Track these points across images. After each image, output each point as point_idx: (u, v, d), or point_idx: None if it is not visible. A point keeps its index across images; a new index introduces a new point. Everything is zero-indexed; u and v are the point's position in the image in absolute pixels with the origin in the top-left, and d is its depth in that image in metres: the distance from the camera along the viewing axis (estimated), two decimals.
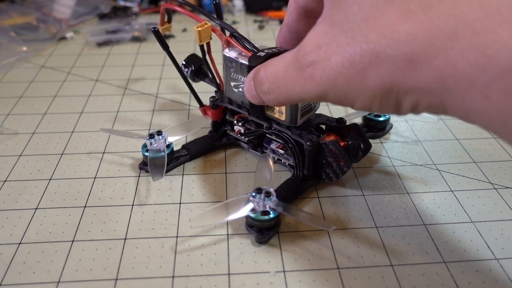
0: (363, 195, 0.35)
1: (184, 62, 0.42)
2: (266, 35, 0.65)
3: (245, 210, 0.30)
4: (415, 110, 0.21)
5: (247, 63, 0.33)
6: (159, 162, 0.35)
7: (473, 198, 0.34)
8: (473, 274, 0.28)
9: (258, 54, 0.32)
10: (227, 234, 0.31)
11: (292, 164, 0.35)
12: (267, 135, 0.36)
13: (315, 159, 0.34)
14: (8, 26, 0.62)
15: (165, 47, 0.35)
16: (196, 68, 0.42)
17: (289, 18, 0.30)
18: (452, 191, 0.35)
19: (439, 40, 0.18)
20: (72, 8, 0.68)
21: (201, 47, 0.36)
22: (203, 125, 0.40)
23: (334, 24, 0.22)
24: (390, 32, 0.19)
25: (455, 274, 0.28)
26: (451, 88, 0.19)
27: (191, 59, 0.42)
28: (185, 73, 0.42)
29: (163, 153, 0.35)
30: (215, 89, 0.40)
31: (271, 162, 0.33)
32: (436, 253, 0.30)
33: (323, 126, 0.37)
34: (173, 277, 0.28)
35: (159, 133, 0.36)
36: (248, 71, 0.33)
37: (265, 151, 0.37)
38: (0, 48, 0.58)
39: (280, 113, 0.33)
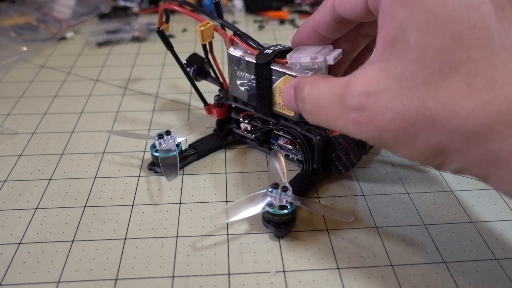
0: (363, 195, 0.35)
1: (185, 62, 0.42)
2: (266, 35, 0.65)
3: (263, 205, 0.30)
4: (458, 173, 0.21)
5: (254, 61, 0.33)
6: (172, 162, 0.35)
7: (473, 198, 0.34)
8: (473, 274, 0.28)
9: (265, 52, 0.32)
10: (227, 234, 0.31)
11: (301, 159, 0.36)
12: (274, 131, 0.37)
13: (324, 153, 0.34)
14: (8, 26, 0.62)
15: (170, 47, 0.35)
16: (198, 67, 0.42)
17: (320, 18, 0.29)
18: (452, 191, 0.35)
19: (499, 125, 0.18)
20: (72, 8, 0.68)
21: (204, 46, 0.36)
22: (208, 124, 0.40)
23: (390, 74, 0.21)
24: (450, 105, 0.19)
25: (455, 274, 0.28)
26: (501, 171, 0.19)
27: (193, 59, 0.42)
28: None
29: (174, 152, 0.35)
30: (217, 88, 0.41)
31: (282, 158, 0.33)
32: (436, 253, 0.30)
33: None
34: (173, 277, 0.28)
35: (168, 133, 0.36)
36: (256, 69, 0.33)
37: (272, 147, 0.38)
38: (0, 48, 0.58)
39: (289, 109, 0.33)
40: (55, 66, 0.56)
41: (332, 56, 0.29)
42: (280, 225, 0.31)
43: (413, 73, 0.20)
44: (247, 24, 0.70)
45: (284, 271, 0.29)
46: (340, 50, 0.30)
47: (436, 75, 0.19)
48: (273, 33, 0.66)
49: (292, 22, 0.70)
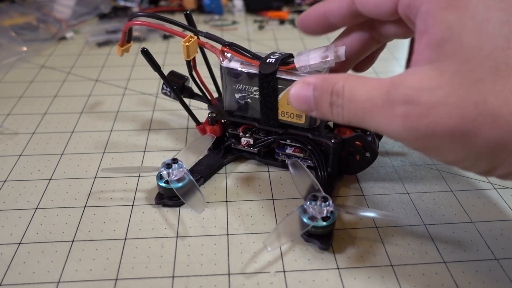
0: (363, 195, 0.35)
1: (163, 84, 0.39)
2: (266, 35, 0.65)
3: (306, 221, 0.29)
4: (508, 177, 0.21)
5: (256, 72, 0.32)
6: (191, 189, 0.32)
7: (473, 198, 0.34)
8: (473, 274, 0.28)
9: (268, 61, 0.31)
10: (227, 234, 0.31)
11: (312, 165, 0.35)
12: (280, 141, 0.36)
13: (338, 155, 0.34)
14: (8, 26, 0.62)
15: (157, 68, 0.34)
16: (179, 86, 0.39)
17: (335, 8, 0.28)
18: (452, 191, 0.35)
19: None
20: (72, 8, 0.68)
21: (188, 63, 0.34)
22: (210, 144, 0.36)
23: (443, 72, 0.20)
24: None
25: (455, 274, 0.28)
26: None
27: (171, 78, 0.39)
28: (168, 92, 0.40)
29: (188, 179, 0.32)
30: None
31: (306, 167, 0.32)
32: (436, 253, 0.30)
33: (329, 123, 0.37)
34: (173, 277, 0.28)
35: (175, 161, 0.33)
36: (261, 80, 0.32)
37: (278, 157, 0.37)
38: (0, 48, 0.58)
39: (299, 117, 0.33)
40: (55, 66, 0.56)
41: (342, 52, 0.29)
42: (323, 236, 0.30)
43: (469, 71, 0.20)
44: (247, 24, 0.70)
45: (284, 271, 0.29)
46: (344, 47, 0.29)
47: (493, 72, 0.19)
48: (273, 33, 0.66)
49: (292, 22, 0.70)
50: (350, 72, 0.33)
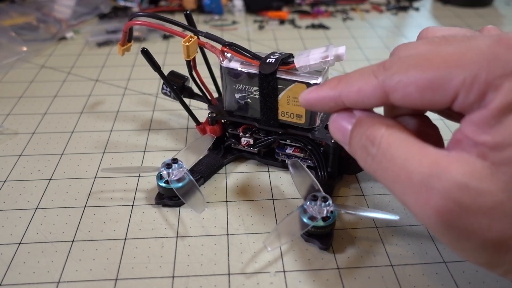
0: (363, 195, 0.35)
1: (163, 83, 0.39)
2: (266, 35, 0.65)
3: (306, 221, 0.29)
4: None
5: (256, 72, 0.32)
6: (191, 189, 0.32)
7: None
8: (473, 274, 0.28)
9: (268, 61, 0.31)
10: (227, 234, 0.31)
11: (312, 165, 0.35)
12: (280, 141, 0.36)
13: (338, 155, 0.34)
14: (8, 26, 0.62)
15: (157, 68, 0.34)
16: (179, 86, 0.39)
17: (359, 101, 0.22)
18: None
19: None
20: (72, 8, 0.68)
21: (188, 62, 0.34)
22: (210, 144, 0.36)
23: (497, 178, 0.18)
24: None
25: (455, 274, 0.28)
26: None
27: (171, 78, 0.39)
28: (168, 92, 0.40)
29: (188, 179, 0.32)
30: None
31: (306, 167, 0.32)
32: (436, 253, 0.30)
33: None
34: (173, 277, 0.28)
35: (175, 161, 0.33)
36: (261, 80, 0.32)
37: (278, 157, 0.37)
38: (0, 48, 0.58)
39: (299, 117, 0.33)
40: (55, 66, 0.56)
41: (342, 52, 0.29)
42: (323, 236, 0.30)
43: None
44: (247, 24, 0.70)
45: (284, 271, 0.29)
46: (344, 46, 0.29)
47: None
48: (273, 33, 0.66)
49: (292, 22, 0.70)
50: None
